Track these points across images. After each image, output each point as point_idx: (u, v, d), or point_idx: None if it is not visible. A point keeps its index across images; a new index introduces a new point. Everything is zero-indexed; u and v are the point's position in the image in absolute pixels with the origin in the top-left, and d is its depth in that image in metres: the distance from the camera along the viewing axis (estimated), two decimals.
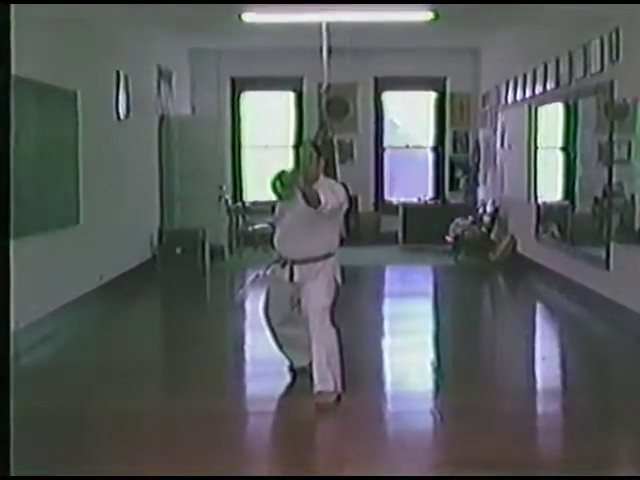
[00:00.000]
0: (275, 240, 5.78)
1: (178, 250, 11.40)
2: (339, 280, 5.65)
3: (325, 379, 5.35)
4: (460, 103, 14.48)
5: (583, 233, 9.33)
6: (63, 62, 7.97)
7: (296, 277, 5.58)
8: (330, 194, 5.30)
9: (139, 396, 5.73)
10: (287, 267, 5.61)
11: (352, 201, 5.80)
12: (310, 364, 5.52)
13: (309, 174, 5.37)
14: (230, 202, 13.23)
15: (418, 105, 15.11)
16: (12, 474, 2.59)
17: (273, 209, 6.03)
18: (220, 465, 4.41)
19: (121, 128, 10.04)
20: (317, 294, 5.51)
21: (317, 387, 5.36)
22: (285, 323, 5.89)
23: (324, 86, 12.04)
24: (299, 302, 5.61)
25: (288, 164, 14.38)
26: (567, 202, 9.96)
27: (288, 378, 6.28)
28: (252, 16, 10.37)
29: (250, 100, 14.78)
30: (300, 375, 5.99)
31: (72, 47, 8.26)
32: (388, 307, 8.75)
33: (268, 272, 5.99)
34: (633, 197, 7.53)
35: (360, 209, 14.07)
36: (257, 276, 11.40)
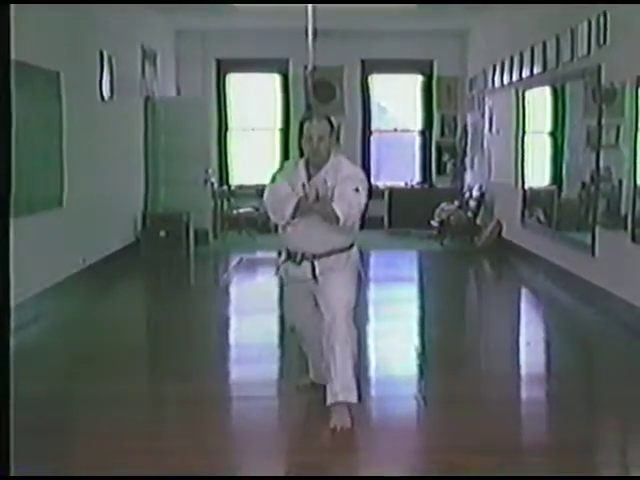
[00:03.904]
0: (292, 237, 4.90)
1: (162, 233, 11.33)
2: (362, 273, 5.03)
3: (350, 388, 4.70)
4: (447, 86, 14.41)
5: (569, 218, 9.31)
6: (46, 42, 7.86)
7: (318, 272, 4.82)
8: (348, 196, 4.63)
9: (123, 380, 5.69)
10: (307, 263, 4.84)
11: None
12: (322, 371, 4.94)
13: (319, 157, 4.77)
14: (216, 185, 13.17)
15: (405, 88, 15.05)
16: (12, 474, 2.56)
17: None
18: (204, 450, 4.38)
19: (105, 109, 9.95)
20: (342, 287, 4.80)
21: (339, 397, 4.66)
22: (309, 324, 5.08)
23: (310, 68, 11.96)
24: (316, 303, 4.92)
25: (275, 147, 14.45)
26: (554, 187, 9.94)
27: (272, 363, 6.27)
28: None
29: (236, 82, 14.68)
30: (284, 361, 5.96)
31: (55, 27, 8.16)
32: (373, 292, 8.70)
33: (280, 273, 5.10)
34: (620, 182, 7.50)
35: None
36: (241, 260, 11.37)
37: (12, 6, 2.50)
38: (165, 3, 10.15)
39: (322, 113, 5.17)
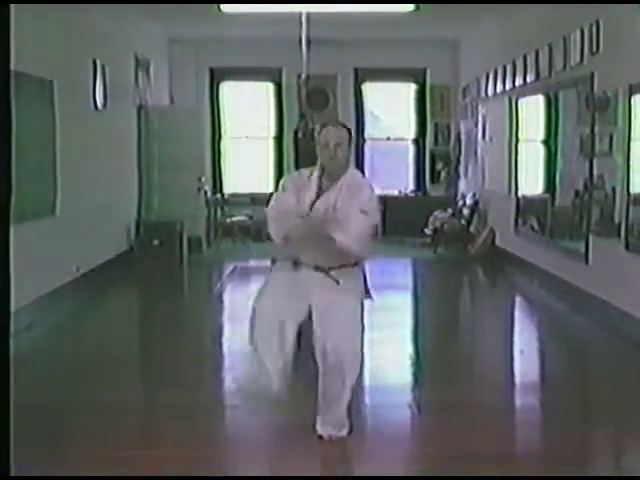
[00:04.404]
0: (295, 249, 4.55)
1: (155, 242, 11.31)
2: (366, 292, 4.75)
3: (343, 425, 4.63)
4: (441, 95, 14.43)
5: (562, 226, 9.32)
6: (39, 51, 7.85)
7: (322, 282, 4.49)
8: (355, 223, 4.38)
9: (117, 388, 5.69)
10: (311, 269, 4.51)
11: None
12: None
13: (335, 168, 4.43)
14: (209, 194, 13.16)
15: (399, 97, 15.06)
16: (12, 474, 2.56)
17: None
18: (198, 457, 4.38)
19: (99, 118, 9.94)
20: (350, 324, 4.55)
21: (331, 431, 4.60)
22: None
23: (303, 77, 11.96)
24: (310, 316, 4.55)
25: (268, 155, 14.44)
26: (547, 195, 9.95)
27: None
28: (231, 6, 10.29)
29: (229, 90, 14.68)
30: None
31: (48, 35, 8.15)
32: (366, 300, 8.69)
33: (272, 271, 4.76)
34: (614, 190, 7.52)
35: None
36: (235, 268, 11.36)
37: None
38: (156, 3, 10.09)
39: (338, 120, 4.97)
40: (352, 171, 4.63)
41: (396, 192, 14.50)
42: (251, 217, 13.07)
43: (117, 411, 5.16)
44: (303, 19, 10.53)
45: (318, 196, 4.51)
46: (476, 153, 12.80)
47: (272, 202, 4.62)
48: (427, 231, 12.89)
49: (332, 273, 4.49)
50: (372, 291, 4.77)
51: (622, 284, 7.40)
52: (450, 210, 13.06)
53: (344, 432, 4.62)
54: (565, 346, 7.28)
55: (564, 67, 8.72)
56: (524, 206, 10.56)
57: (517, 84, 10.43)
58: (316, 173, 4.57)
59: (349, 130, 4.62)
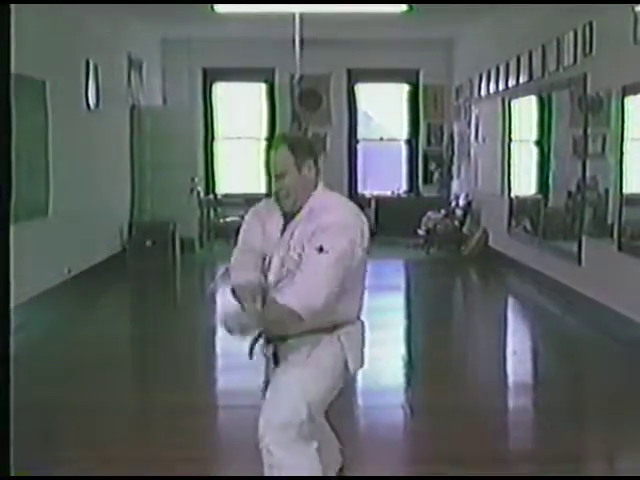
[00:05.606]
0: None
1: (148, 242, 11.30)
2: (351, 366, 3.44)
3: None
4: (434, 95, 14.43)
5: (555, 227, 9.33)
6: (31, 51, 7.82)
7: (281, 359, 3.38)
8: (308, 273, 3.10)
9: (109, 390, 5.68)
10: (271, 345, 3.40)
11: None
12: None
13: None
14: (202, 194, 13.14)
15: (392, 97, 15.06)
16: (12, 474, 2.55)
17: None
18: (191, 458, 4.37)
19: (91, 118, 9.92)
20: (286, 392, 3.27)
21: None
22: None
23: (296, 77, 11.95)
24: None
25: (261, 156, 14.40)
26: (540, 196, 9.96)
27: (258, 371, 6.23)
28: (224, 6, 10.28)
29: (222, 91, 14.67)
30: None
31: (40, 35, 8.12)
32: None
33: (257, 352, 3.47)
34: (607, 191, 7.52)
35: None
36: (227, 269, 11.34)
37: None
38: (149, 3, 10.08)
39: (283, 135, 3.72)
40: (318, 193, 3.35)
41: (389, 193, 14.52)
42: (244, 218, 13.04)
43: (111, 412, 5.15)
44: (296, 19, 10.52)
45: (283, 231, 3.41)
46: (469, 154, 12.81)
47: (236, 247, 3.76)
48: (420, 232, 12.89)
49: (291, 342, 3.34)
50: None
51: (615, 285, 7.41)
52: (443, 211, 13.06)
53: None
54: (557, 347, 7.28)
55: (557, 68, 8.72)
56: (517, 207, 10.56)
57: (510, 85, 10.44)
58: (277, 206, 3.46)
59: (296, 146, 3.31)
